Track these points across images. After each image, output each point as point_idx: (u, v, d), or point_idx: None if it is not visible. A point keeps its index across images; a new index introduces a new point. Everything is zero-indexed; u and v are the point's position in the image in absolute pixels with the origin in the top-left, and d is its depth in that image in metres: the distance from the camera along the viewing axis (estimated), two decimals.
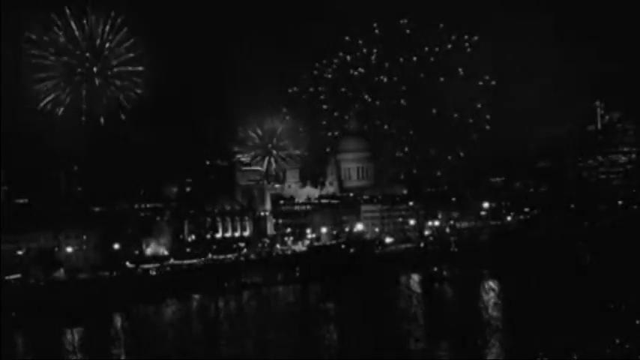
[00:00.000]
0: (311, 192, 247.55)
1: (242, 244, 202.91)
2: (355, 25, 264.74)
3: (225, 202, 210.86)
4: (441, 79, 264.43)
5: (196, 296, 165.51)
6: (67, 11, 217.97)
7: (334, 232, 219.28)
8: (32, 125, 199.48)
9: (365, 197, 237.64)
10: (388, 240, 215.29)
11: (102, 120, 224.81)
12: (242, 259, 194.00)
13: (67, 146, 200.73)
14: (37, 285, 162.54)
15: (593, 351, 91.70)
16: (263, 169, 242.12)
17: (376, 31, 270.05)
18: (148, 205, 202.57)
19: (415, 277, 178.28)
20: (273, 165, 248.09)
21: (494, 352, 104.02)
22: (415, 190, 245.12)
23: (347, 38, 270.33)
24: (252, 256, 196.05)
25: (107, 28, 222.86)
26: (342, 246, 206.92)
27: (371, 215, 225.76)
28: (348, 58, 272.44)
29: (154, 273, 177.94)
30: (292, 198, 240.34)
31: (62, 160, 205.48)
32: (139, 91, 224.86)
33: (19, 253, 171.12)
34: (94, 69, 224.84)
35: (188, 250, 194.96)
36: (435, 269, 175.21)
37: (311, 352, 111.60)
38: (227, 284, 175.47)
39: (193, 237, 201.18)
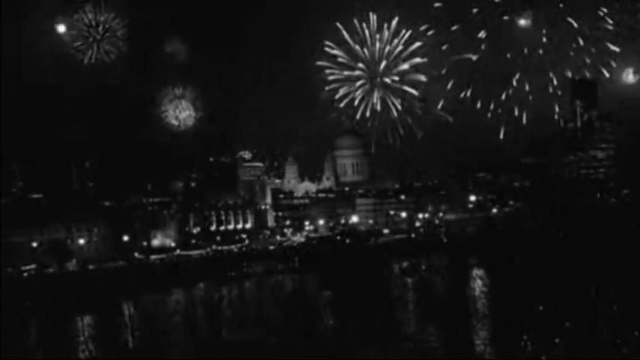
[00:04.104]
0: (309, 186, 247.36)
1: (244, 236, 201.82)
2: None
3: (228, 196, 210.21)
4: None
5: (201, 285, 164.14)
6: None
7: (331, 225, 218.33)
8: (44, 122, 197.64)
9: (360, 191, 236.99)
10: (382, 231, 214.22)
11: None
12: (244, 249, 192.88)
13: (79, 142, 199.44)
14: (50, 275, 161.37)
15: (575, 337, 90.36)
16: None
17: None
18: (156, 200, 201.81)
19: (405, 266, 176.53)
20: None
21: (481, 337, 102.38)
22: (406, 184, 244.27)
23: None
24: (254, 246, 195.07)
25: None
26: (338, 237, 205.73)
27: (365, 208, 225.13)
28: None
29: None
30: (291, 192, 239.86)
31: (74, 156, 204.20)
32: None
33: (34, 245, 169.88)
34: None
35: (193, 241, 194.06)
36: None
37: (309, 337, 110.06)
38: (230, 274, 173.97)
39: (198, 229, 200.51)
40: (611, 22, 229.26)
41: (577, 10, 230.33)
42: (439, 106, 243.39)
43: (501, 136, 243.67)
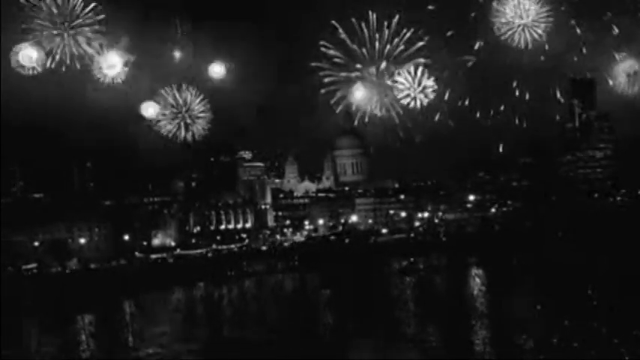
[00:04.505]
0: (309, 186, 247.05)
1: (244, 235, 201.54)
2: None
3: (228, 196, 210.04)
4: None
5: (201, 284, 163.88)
6: None
7: (330, 224, 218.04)
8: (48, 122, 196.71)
9: (359, 191, 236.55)
10: (381, 231, 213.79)
11: None
12: (244, 249, 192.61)
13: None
14: (50, 274, 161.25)
15: (574, 337, 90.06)
16: None
17: None
18: (156, 199, 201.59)
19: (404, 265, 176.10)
20: None
21: (480, 336, 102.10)
22: (405, 184, 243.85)
23: None
24: (254, 246, 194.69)
25: None
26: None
27: (364, 208, 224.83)
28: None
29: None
30: (291, 192, 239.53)
31: (76, 156, 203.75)
32: None
33: (35, 244, 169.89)
34: None
35: (193, 240, 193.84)
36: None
37: (309, 335, 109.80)
38: (230, 273, 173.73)
39: (198, 228, 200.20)
40: (617, 29, 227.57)
41: (580, 14, 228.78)
42: (439, 112, 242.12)
43: (500, 150, 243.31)
